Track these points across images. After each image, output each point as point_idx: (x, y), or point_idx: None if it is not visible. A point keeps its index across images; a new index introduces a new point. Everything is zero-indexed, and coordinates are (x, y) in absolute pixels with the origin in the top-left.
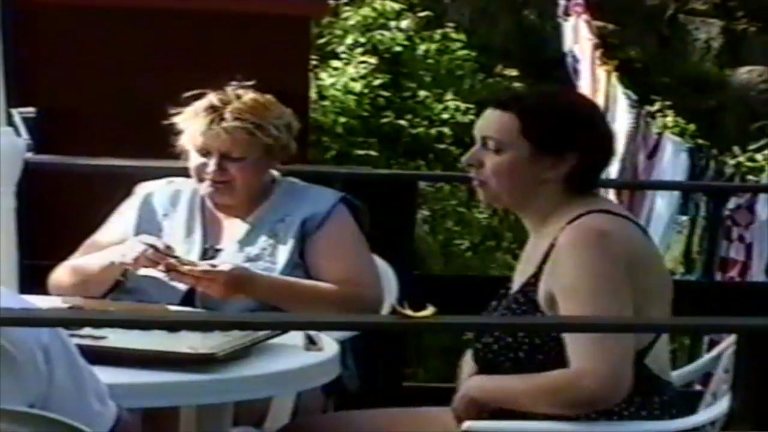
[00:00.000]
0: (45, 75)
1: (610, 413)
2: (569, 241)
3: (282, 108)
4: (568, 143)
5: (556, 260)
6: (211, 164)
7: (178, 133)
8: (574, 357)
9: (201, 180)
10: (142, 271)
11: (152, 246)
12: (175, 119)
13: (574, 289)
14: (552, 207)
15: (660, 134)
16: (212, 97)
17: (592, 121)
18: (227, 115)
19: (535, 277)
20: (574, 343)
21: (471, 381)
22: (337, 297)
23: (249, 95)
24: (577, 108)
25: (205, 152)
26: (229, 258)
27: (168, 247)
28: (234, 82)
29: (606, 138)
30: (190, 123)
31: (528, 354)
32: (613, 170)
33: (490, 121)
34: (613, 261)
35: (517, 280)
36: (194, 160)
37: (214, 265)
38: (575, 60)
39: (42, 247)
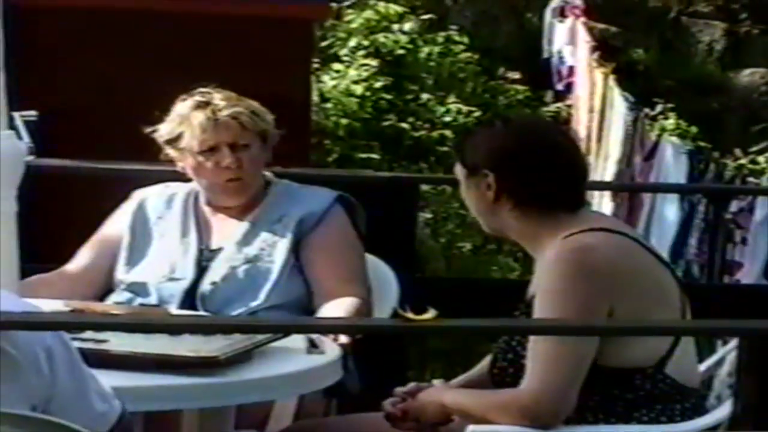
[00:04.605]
0: (47, 78)
1: (629, 418)
2: (551, 256)
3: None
4: (479, 161)
5: (540, 273)
6: (226, 156)
7: (170, 141)
8: (526, 377)
9: (211, 181)
10: (136, 277)
11: None
12: (164, 128)
13: (542, 302)
14: (531, 227)
15: (658, 136)
16: (193, 98)
17: (498, 137)
18: (221, 104)
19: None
20: (528, 363)
21: (433, 390)
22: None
23: (221, 91)
24: (487, 127)
25: (211, 148)
26: (227, 259)
27: None
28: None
29: (519, 152)
30: (186, 125)
31: None
32: (609, 173)
33: None
34: (587, 276)
35: (530, 294)
36: (199, 161)
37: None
38: (561, 62)
39: (44, 250)
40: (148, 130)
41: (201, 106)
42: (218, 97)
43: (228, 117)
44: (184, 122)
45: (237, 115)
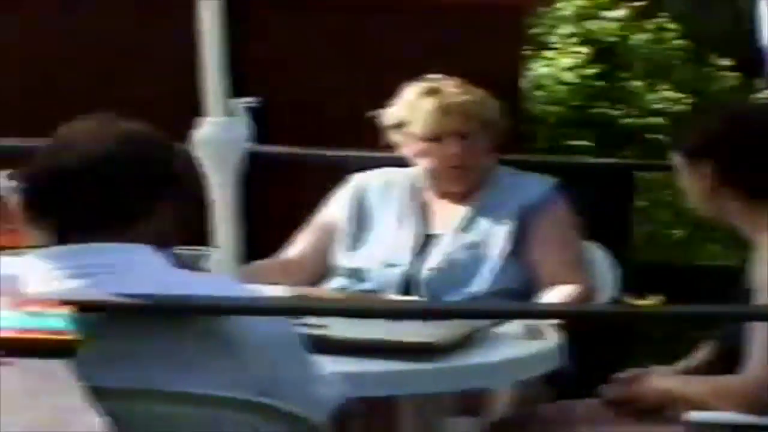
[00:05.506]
0: (270, 67)
1: None
2: None
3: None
4: (698, 148)
5: (760, 260)
6: (452, 144)
7: (395, 126)
8: (747, 364)
9: (435, 167)
10: (356, 263)
11: None
12: (390, 113)
13: (763, 288)
14: (750, 214)
15: None
16: (421, 85)
17: (717, 124)
18: (449, 92)
19: None
20: (749, 350)
21: (653, 377)
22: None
23: (450, 79)
24: (705, 114)
25: (437, 136)
26: (446, 245)
27: None
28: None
29: (738, 139)
30: (414, 111)
31: None
32: None
33: None
34: None
35: (750, 281)
36: (424, 148)
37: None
38: None
39: (266, 236)
40: (373, 113)
41: (429, 93)
42: (447, 85)
43: (456, 105)
44: (411, 108)
45: (465, 103)
